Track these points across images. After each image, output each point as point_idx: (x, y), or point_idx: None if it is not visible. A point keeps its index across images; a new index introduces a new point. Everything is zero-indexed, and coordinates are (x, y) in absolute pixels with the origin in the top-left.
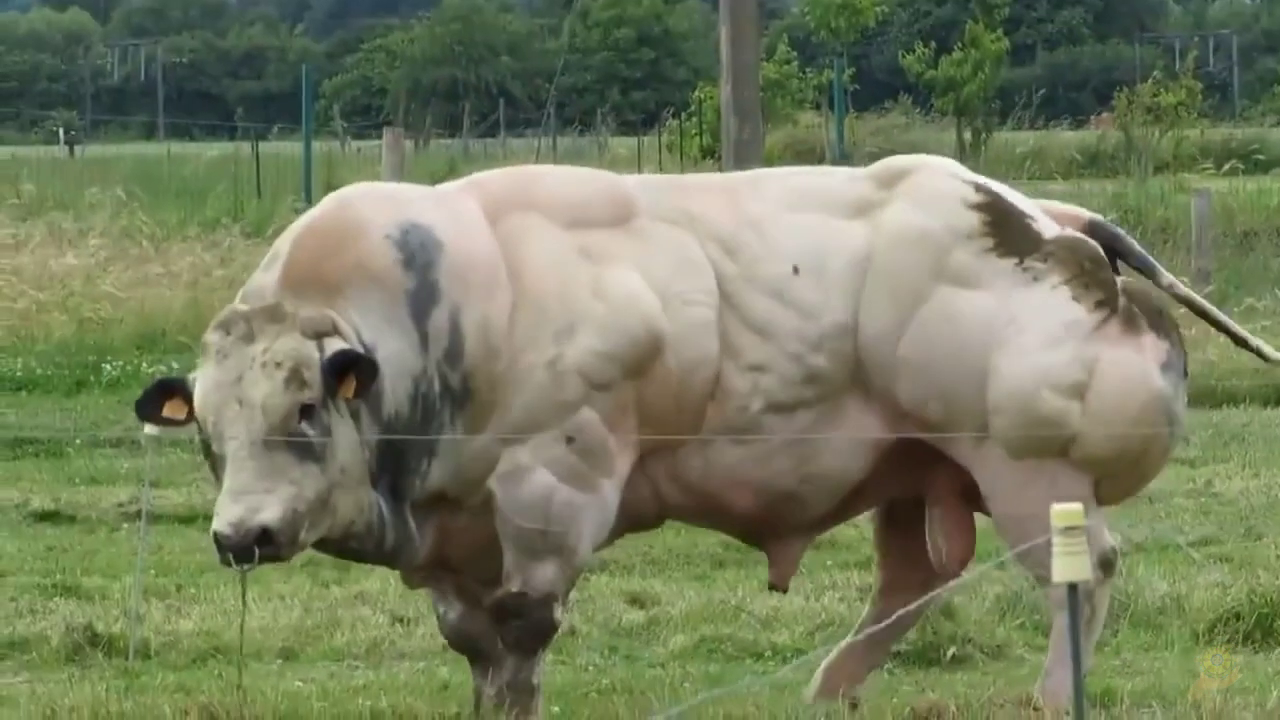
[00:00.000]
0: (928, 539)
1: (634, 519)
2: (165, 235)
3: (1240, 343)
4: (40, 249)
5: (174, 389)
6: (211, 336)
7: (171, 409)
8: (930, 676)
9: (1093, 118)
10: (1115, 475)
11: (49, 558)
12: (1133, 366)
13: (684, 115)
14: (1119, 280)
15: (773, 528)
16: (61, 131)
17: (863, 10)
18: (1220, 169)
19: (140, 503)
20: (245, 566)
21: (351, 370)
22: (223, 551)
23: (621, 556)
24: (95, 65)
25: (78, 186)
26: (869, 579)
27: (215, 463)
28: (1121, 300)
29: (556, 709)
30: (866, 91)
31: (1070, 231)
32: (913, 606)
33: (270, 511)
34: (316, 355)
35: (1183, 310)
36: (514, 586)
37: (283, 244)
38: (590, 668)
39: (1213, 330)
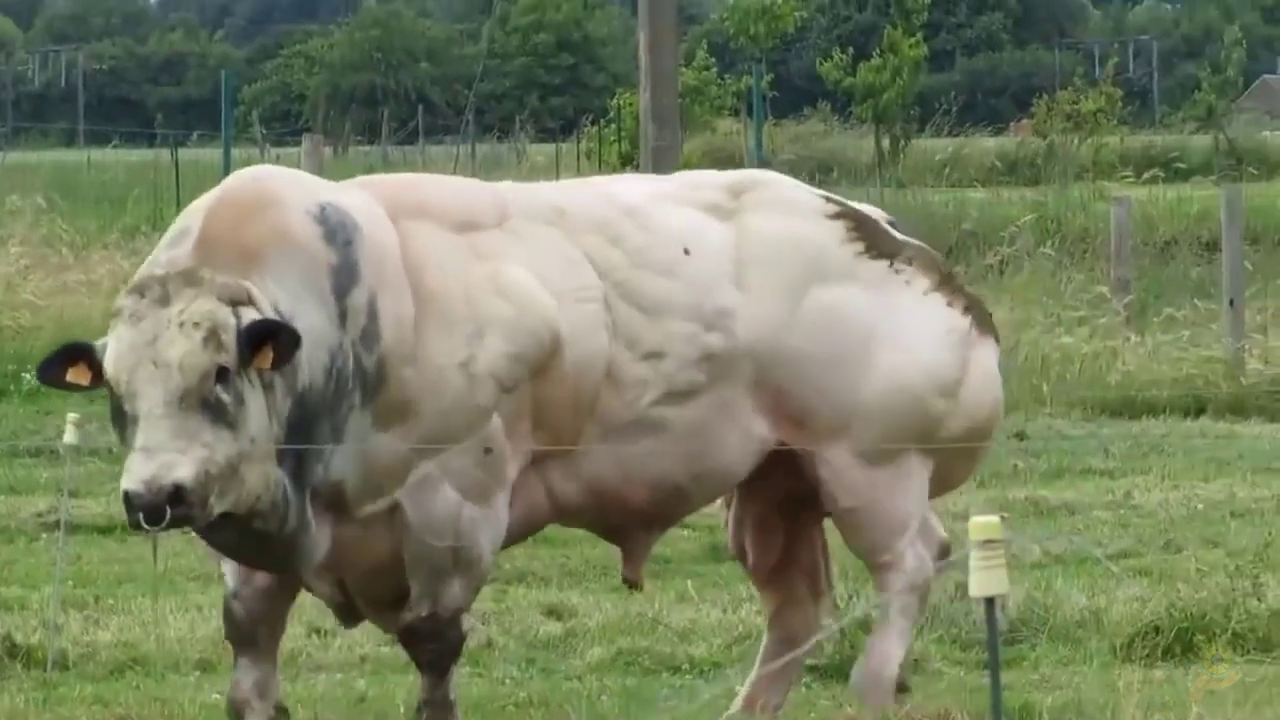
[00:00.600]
0: (731, 535)
1: (529, 524)
2: (85, 243)
3: None
4: None
5: (79, 354)
6: (125, 300)
7: (75, 374)
8: (848, 690)
9: (1012, 124)
10: (951, 471)
11: None
12: (989, 365)
13: (603, 122)
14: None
15: (653, 523)
16: None
17: (781, 16)
18: (1140, 177)
19: (59, 513)
20: (154, 528)
21: (269, 341)
22: (133, 511)
23: (539, 568)
24: (16, 71)
25: None
26: None
27: (125, 425)
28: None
29: None
30: (785, 98)
31: (907, 237)
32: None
33: (184, 470)
34: (233, 321)
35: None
36: (424, 610)
37: (191, 219)
38: (507, 680)
39: (1133, 339)
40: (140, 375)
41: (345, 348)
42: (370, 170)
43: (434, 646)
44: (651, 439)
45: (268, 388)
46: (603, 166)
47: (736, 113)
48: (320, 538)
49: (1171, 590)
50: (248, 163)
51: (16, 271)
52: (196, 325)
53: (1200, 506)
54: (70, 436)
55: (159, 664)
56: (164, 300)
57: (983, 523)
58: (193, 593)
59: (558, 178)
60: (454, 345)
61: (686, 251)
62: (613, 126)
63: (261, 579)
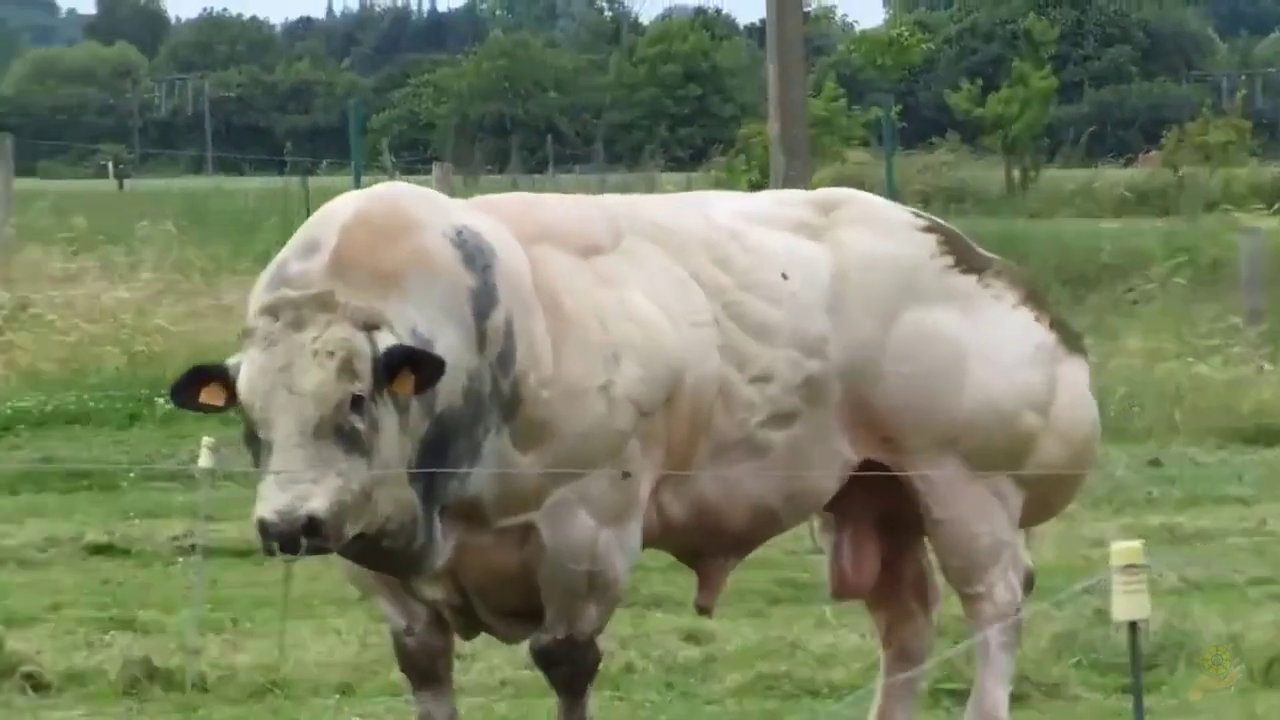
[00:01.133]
0: (829, 562)
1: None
2: (216, 269)
3: None
4: (92, 282)
5: (211, 375)
6: (258, 322)
7: (209, 395)
8: None
9: (1140, 155)
10: (1047, 495)
11: (104, 591)
12: (1080, 386)
13: (733, 151)
14: None
15: (742, 547)
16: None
17: (909, 48)
18: (1271, 207)
19: (195, 536)
20: (288, 557)
21: (408, 366)
22: (267, 540)
23: (677, 593)
24: (143, 99)
25: (128, 220)
26: None
27: (258, 449)
28: (1058, 321)
29: None
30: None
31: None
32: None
33: (318, 501)
34: (367, 348)
35: None
36: (560, 633)
37: (322, 232)
38: (647, 704)
39: (1266, 368)
40: (274, 403)
41: (483, 370)
42: None
43: (569, 669)
44: (754, 461)
45: (403, 410)
46: None
47: (866, 143)
48: (445, 546)
49: None
50: None
51: (148, 297)
52: (331, 354)
53: None
54: (205, 461)
55: (298, 687)
56: (298, 325)
57: (1125, 548)
58: (330, 616)
59: None
60: (592, 369)
61: (785, 276)
62: (742, 156)
63: (428, 612)
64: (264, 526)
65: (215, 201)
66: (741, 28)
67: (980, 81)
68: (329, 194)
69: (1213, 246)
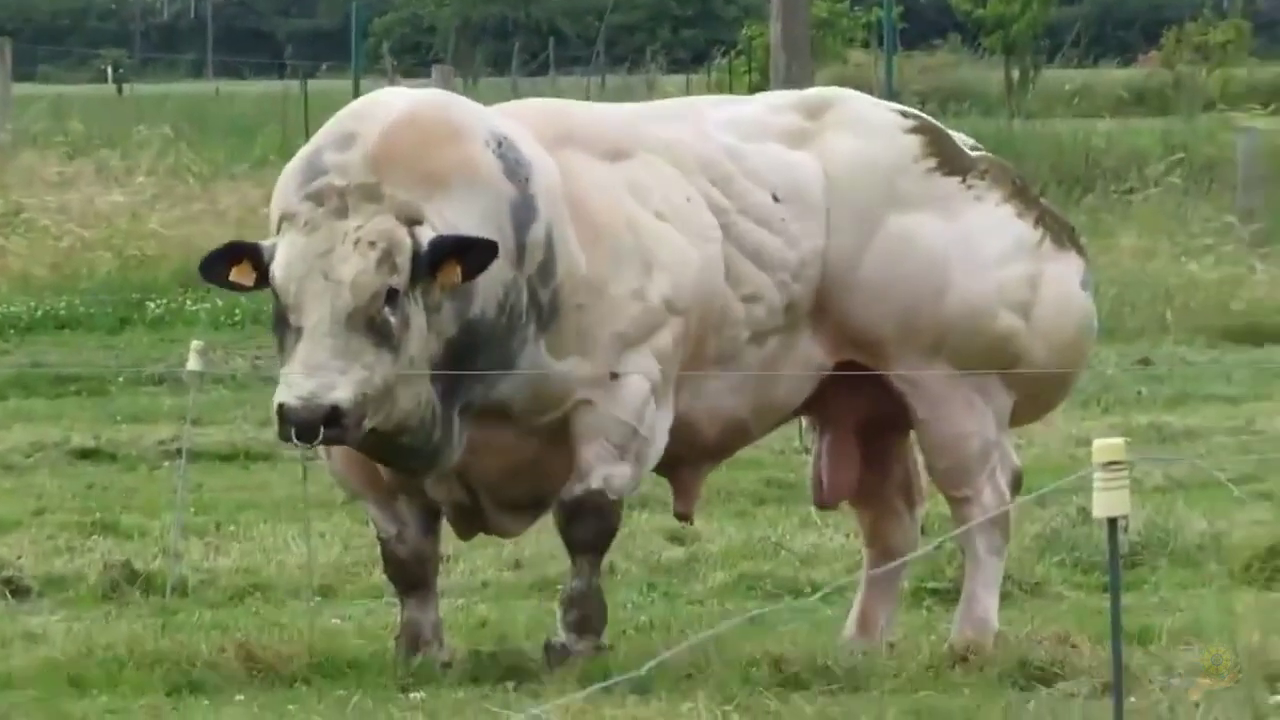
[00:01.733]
0: (810, 470)
1: None
2: (212, 173)
3: None
4: (86, 187)
5: (244, 252)
6: (301, 206)
7: (239, 273)
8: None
9: (1140, 56)
10: (1039, 394)
11: (88, 496)
12: (1067, 284)
13: (733, 53)
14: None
15: (715, 458)
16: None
17: None
18: (1267, 108)
19: (181, 440)
20: (306, 445)
21: (454, 256)
22: (285, 425)
23: (662, 494)
24: (145, 3)
25: (125, 125)
26: None
27: (285, 333)
28: (1049, 218)
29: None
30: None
31: (983, 151)
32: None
33: (343, 391)
34: (409, 242)
35: None
36: (594, 483)
37: (362, 126)
38: (629, 605)
39: (1258, 267)
40: (309, 288)
41: (520, 283)
42: (503, 101)
43: (599, 524)
44: (729, 375)
45: (433, 310)
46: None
47: (867, 44)
48: (460, 445)
49: None
50: None
51: (143, 201)
52: (372, 244)
53: None
54: (193, 363)
55: (279, 590)
56: (341, 212)
57: (1106, 445)
58: (316, 520)
59: None
60: (625, 274)
61: (776, 199)
62: (743, 58)
63: (417, 519)
64: (284, 412)
65: (214, 106)
66: None
67: None
68: (328, 98)
69: (1208, 146)
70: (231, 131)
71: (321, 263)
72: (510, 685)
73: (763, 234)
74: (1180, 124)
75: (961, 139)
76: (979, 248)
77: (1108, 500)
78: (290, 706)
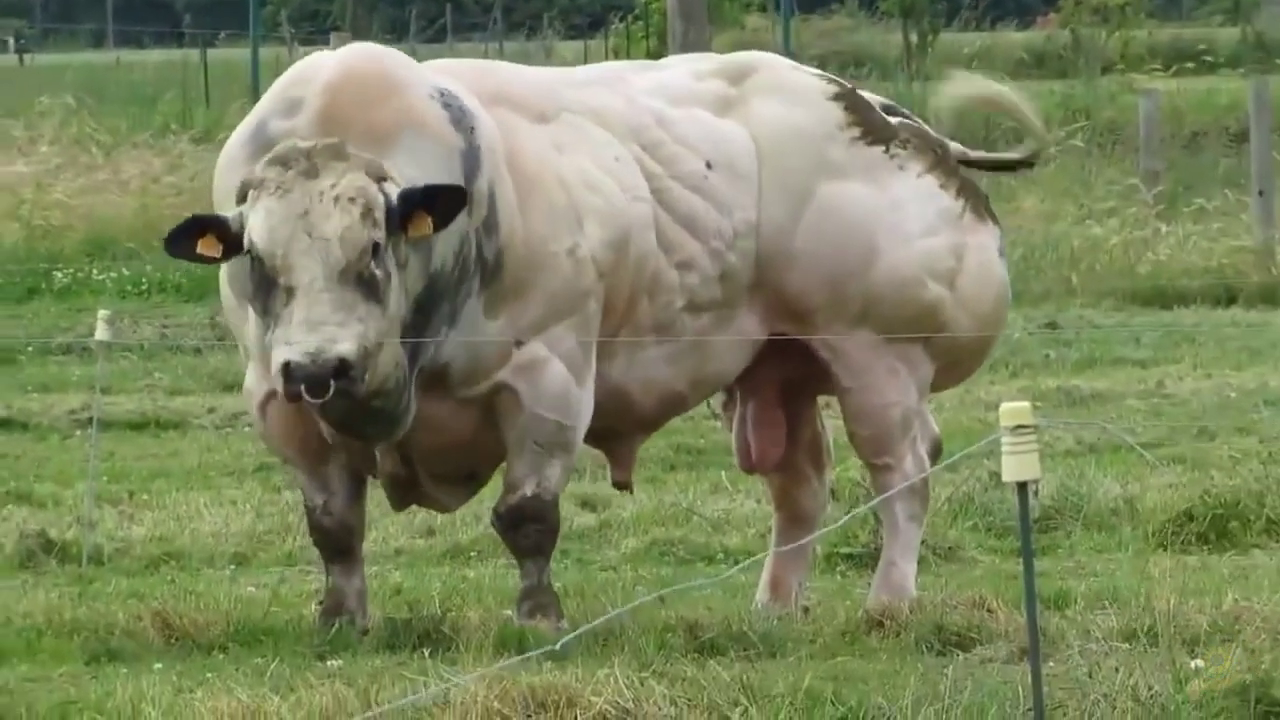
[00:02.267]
0: (735, 437)
1: None
2: (115, 143)
3: (1020, 164)
4: None
5: (208, 225)
6: (268, 172)
7: (205, 245)
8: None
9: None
10: (959, 362)
11: (1, 465)
12: (988, 253)
13: (630, 19)
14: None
15: (649, 428)
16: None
17: None
18: (1169, 69)
19: (92, 409)
20: (315, 400)
21: (422, 208)
22: (293, 382)
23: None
24: None
25: (27, 95)
26: None
27: (272, 297)
28: (968, 188)
29: (508, 612)
30: None
31: (904, 119)
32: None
33: (347, 344)
34: (381, 197)
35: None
36: (529, 490)
37: (303, 91)
38: None
39: (1163, 229)
40: (296, 248)
41: (469, 234)
42: None
43: (539, 528)
44: (667, 345)
45: (403, 267)
46: None
47: (764, 9)
48: (413, 410)
49: (1205, 477)
50: (276, 62)
51: (47, 171)
52: (352, 200)
53: (1233, 395)
54: (102, 333)
55: (194, 558)
56: (311, 173)
57: (1013, 408)
58: (227, 488)
59: None
60: (558, 232)
61: (709, 166)
62: (640, 23)
63: (345, 488)
64: (291, 370)
65: (115, 75)
66: None
67: None
68: (228, 66)
69: (1110, 109)
70: (132, 100)
71: (303, 223)
72: (426, 652)
73: (695, 200)
74: (1081, 87)
75: (875, 100)
76: (906, 218)
77: (1017, 464)
78: (208, 674)
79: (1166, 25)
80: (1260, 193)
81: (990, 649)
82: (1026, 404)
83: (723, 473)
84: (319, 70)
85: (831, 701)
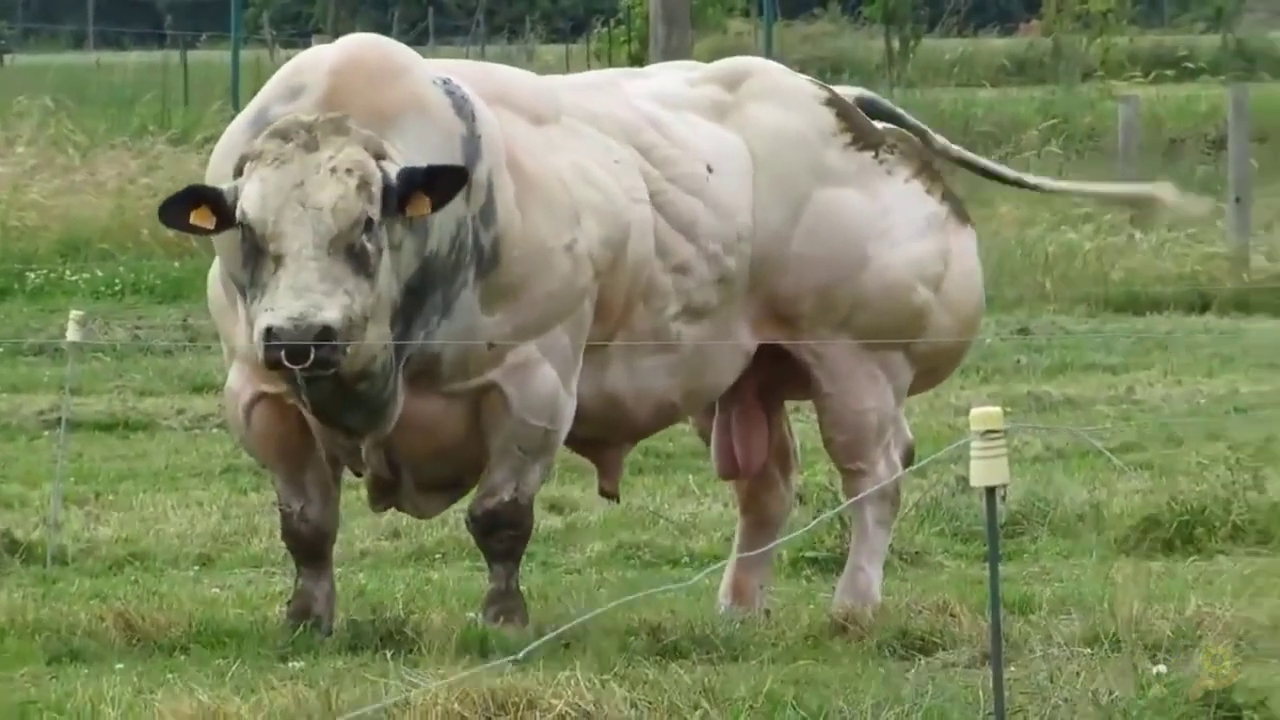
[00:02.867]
0: (716, 443)
1: None
2: (92, 144)
3: (1018, 183)
4: None
5: (203, 197)
6: (267, 144)
7: (199, 216)
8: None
9: (1020, 25)
10: (937, 368)
11: None
12: (969, 258)
13: (613, 22)
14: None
15: (639, 437)
16: None
17: None
18: (1149, 76)
19: (61, 410)
20: (296, 367)
21: (421, 189)
22: (274, 349)
23: None
24: None
25: (5, 96)
26: None
27: (261, 266)
28: (950, 193)
29: (471, 615)
30: None
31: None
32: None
33: (331, 312)
34: (379, 173)
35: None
36: (507, 494)
37: (306, 78)
38: None
39: (1137, 237)
40: (288, 216)
41: (467, 221)
42: None
43: (513, 533)
44: (663, 355)
45: (395, 248)
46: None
47: (747, 13)
48: (400, 403)
49: (1172, 484)
50: (257, 64)
51: (23, 172)
52: (349, 172)
53: (1203, 401)
54: (73, 334)
55: (158, 559)
56: (311, 145)
57: (984, 413)
58: (194, 489)
59: None
60: (558, 229)
61: (710, 169)
62: (622, 27)
63: (321, 494)
64: (272, 334)
65: (95, 76)
66: None
67: None
68: (208, 68)
69: (1088, 115)
70: (111, 102)
71: (297, 193)
72: (389, 654)
73: (693, 203)
74: (1061, 93)
75: (850, 92)
76: (895, 223)
77: (986, 469)
78: (170, 675)
79: (1148, 32)
80: (1237, 200)
81: (953, 654)
82: (997, 409)
83: (690, 476)
84: (322, 57)
85: (793, 705)
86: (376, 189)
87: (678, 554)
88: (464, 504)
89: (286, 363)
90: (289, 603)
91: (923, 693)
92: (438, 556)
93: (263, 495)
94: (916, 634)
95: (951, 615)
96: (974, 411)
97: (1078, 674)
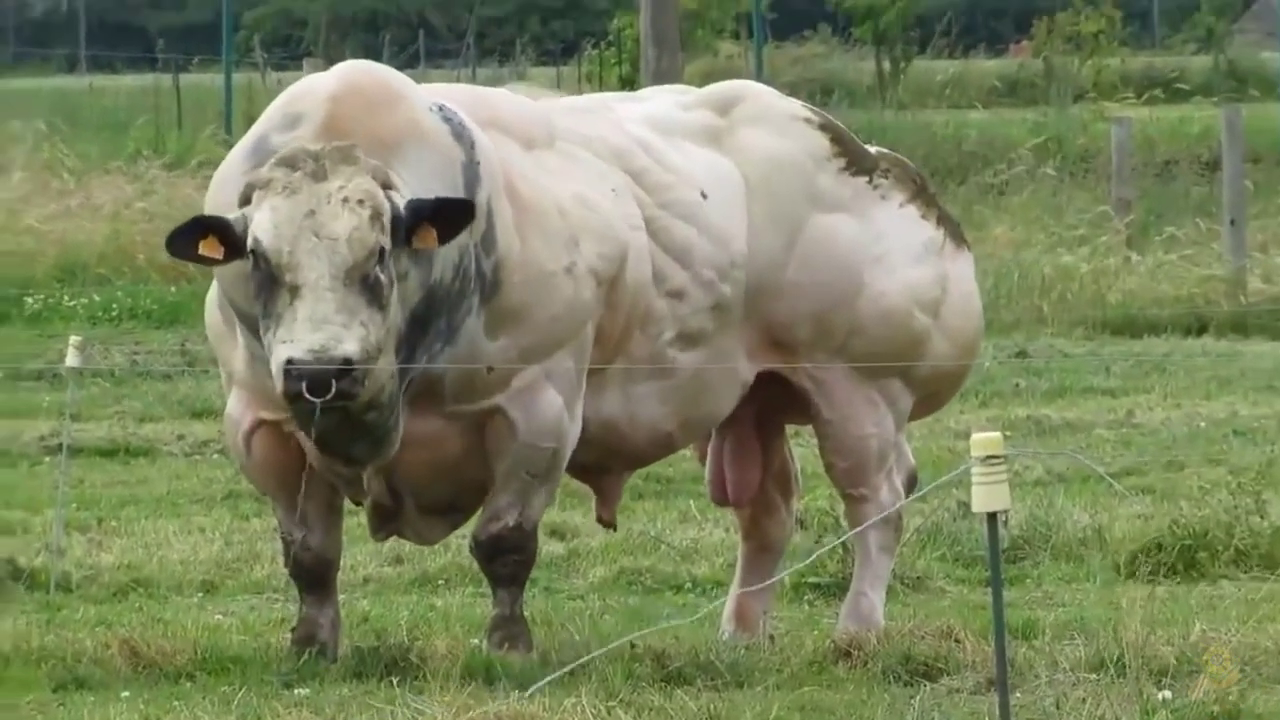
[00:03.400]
0: (709, 468)
1: None
2: (87, 169)
3: None
4: None
5: (211, 226)
6: (275, 172)
7: (207, 246)
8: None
9: (1011, 46)
10: (937, 393)
11: None
12: (967, 283)
13: (603, 45)
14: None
15: (637, 465)
16: None
17: None
18: (1141, 97)
19: (61, 436)
20: (318, 400)
21: (428, 221)
22: (295, 381)
23: None
24: None
25: None
26: None
27: (275, 296)
28: (946, 217)
29: (475, 641)
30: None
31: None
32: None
33: (351, 344)
34: (388, 204)
35: None
36: (511, 519)
37: (303, 106)
38: None
39: (1134, 258)
40: (303, 246)
41: (469, 248)
42: None
43: (518, 558)
44: (660, 380)
45: (402, 278)
46: (603, 89)
47: (737, 35)
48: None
49: (1174, 508)
50: (249, 88)
51: (19, 197)
52: (361, 202)
53: (1202, 425)
54: (72, 359)
55: (162, 586)
56: (319, 175)
57: (984, 438)
58: (196, 515)
59: None
60: (556, 253)
61: (704, 195)
62: (613, 50)
63: (323, 522)
64: (293, 366)
65: (87, 100)
66: None
67: None
68: (200, 91)
69: (1082, 136)
70: (104, 126)
71: (310, 222)
72: (394, 680)
73: (687, 229)
74: (1053, 114)
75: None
76: (891, 248)
77: (987, 495)
78: (175, 703)
79: (1139, 54)
80: (1232, 222)
81: (957, 679)
82: (997, 434)
83: (691, 502)
84: (318, 85)
85: None
86: (387, 219)
87: (680, 579)
88: (466, 529)
89: (307, 394)
90: (293, 629)
91: (928, 719)
92: (441, 582)
93: (264, 521)
94: (921, 659)
95: (956, 641)
96: (974, 437)
97: (1083, 700)
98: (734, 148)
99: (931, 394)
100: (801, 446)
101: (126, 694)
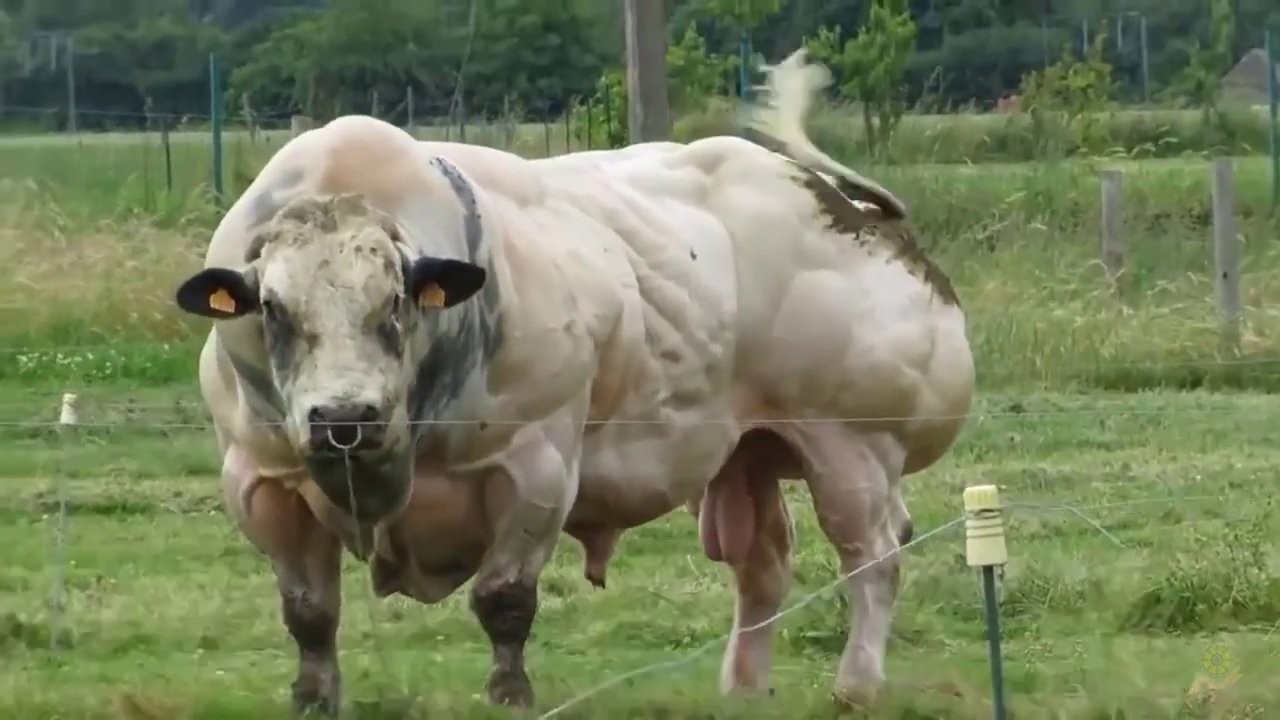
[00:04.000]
0: (702, 523)
1: None
2: (78, 227)
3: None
4: None
5: (221, 280)
6: (284, 225)
7: (219, 300)
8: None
9: (1000, 101)
10: (929, 447)
11: None
12: (957, 337)
13: (591, 102)
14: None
15: (630, 524)
16: None
17: None
18: (1131, 151)
19: (59, 493)
20: (344, 447)
21: (436, 280)
22: (321, 429)
23: None
24: (6, 57)
25: None
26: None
27: (292, 346)
28: (934, 272)
29: (477, 696)
30: None
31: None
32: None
33: (373, 391)
34: (398, 255)
35: None
36: (512, 576)
37: (305, 161)
38: None
39: (1127, 312)
40: (319, 295)
41: (474, 302)
42: None
43: (518, 614)
44: (653, 439)
45: (411, 329)
46: (592, 146)
47: (725, 92)
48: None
49: (1171, 560)
50: (238, 146)
51: (10, 255)
52: (374, 251)
53: (1198, 478)
54: (68, 417)
55: (162, 642)
56: (329, 226)
57: (978, 492)
58: (195, 572)
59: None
60: (555, 310)
61: (694, 255)
62: (601, 107)
63: (323, 579)
64: (319, 414)
65: (77, 158)
66: None
67: (838, 28)
68: (190, 149)
69: (1072, 190)
70: (95, 184)
71: (324, 272)
72: None
73: (677, 290)
74: (1044, 169)
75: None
76: (878, 304)
77: (982, 548)
78: None
79: (1129, 107)
80: (1224, 275)
81: None
82: (992, 488)
83: (689, 556)
84: (318, 140)
85: None
86: (399, 268)
87: (679, 634)
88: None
89: (334, 442)
90: (294, 685)
91: None
92: (440, 638)
93: (263, 577)
94: (921, 713)
95: (956, 694)
96: (968, 490)
97: None
98: (720, 205)
99: (923, 448)
100: (797, 501)
101: None
